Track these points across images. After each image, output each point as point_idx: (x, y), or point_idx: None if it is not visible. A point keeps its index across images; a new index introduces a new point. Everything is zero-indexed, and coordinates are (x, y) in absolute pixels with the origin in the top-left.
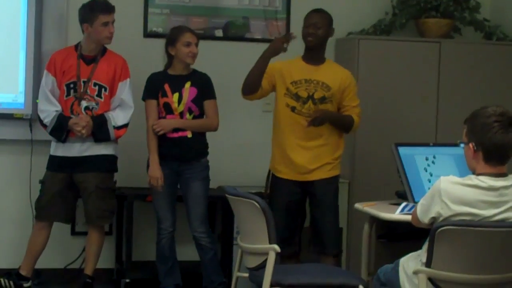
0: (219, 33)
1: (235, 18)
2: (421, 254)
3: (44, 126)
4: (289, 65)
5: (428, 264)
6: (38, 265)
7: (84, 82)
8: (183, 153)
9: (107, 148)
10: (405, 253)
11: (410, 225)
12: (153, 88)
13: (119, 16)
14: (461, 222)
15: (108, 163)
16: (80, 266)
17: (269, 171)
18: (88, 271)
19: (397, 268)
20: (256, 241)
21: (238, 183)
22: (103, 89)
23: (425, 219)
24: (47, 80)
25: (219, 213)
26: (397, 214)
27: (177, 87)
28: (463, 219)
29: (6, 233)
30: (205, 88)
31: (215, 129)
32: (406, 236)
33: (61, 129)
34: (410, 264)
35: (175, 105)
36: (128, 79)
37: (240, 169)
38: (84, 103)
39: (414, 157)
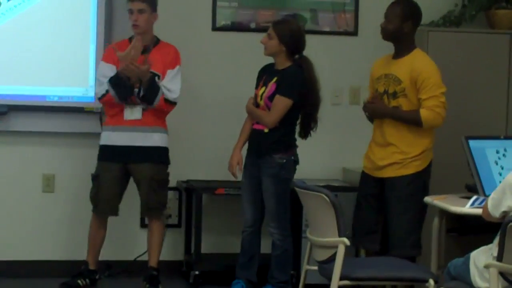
0: None
1: (303, 10)
2: (492, 248)
3: (103, 96)
4: (379, 61)
5: (499, 258)
6: (108, 257)
7: None
8: (257, 147)
9: (160, 140)
10: (476, 247)
11: (481, 219)
12: (257, 78)
13: (187, 10)
14: None
15: (162, 155)
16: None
17: None
18: (153, 263)
19: (468, 262)
20: (325, 234)
21: (308, 176)
22: (156, 77)
23: (496, 213)
24: (105, 68)
25: None
26: (468, 207)
27: (267, 81)
28: None
29: (70, 225)
30: (281, 83)
31: (267, 125)
32: (476, 230)
33: (119, 81)
34: (481, 258)
35: (258, 98)
36: (177, 66)
37: (310, 162)
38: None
39: (485, 150)
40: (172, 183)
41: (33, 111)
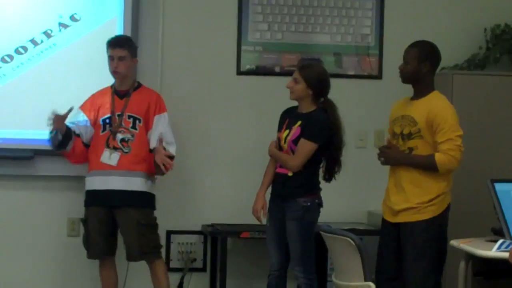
0: None
1: (327, 54)
2: None
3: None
4: (398, 103)
5: None
6: None
7: (118, 115)
8: (281, 191)
9: (144, 186)
10: None
11: (507, 262)
12: (279, 121)
13: (212, 54)
14: None
15: (147, 200)
16: None
17: None
18: None
19: None
20: (351, 278)
21: (333, 219)
22: (137, 121)
23: None
24: (78, 117)
25: None
26: (494, 251)
27: (291, 124)
28: None
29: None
30: (306, 127)
31: (291, 169)
32: (504, 274)
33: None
34: None
35: (282, 141)
36: (165, 113)
37: (335, 206)
38: (119, 136)
39: (511, 193)
40: (197, 227)
41: (58, 156)
